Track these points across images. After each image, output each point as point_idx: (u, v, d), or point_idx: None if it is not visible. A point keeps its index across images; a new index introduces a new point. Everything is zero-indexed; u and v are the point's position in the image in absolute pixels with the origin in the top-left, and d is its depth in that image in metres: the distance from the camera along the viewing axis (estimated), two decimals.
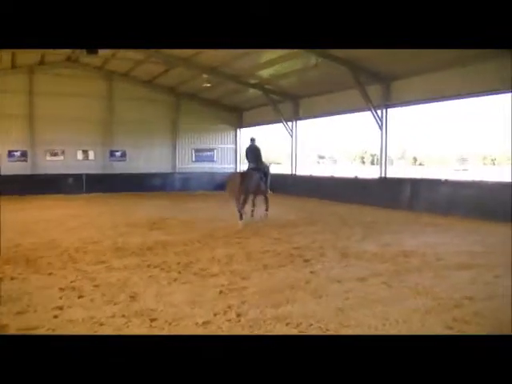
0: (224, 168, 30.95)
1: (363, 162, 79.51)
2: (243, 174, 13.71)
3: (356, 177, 22.50)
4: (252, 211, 14.47)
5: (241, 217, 13.15)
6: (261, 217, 14.57)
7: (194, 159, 30.41)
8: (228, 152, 31.50)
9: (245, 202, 13.46)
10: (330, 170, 46.38)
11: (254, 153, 14.20)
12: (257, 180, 13.84)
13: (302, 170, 25.53)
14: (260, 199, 14.88)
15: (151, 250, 9.86)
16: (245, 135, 31.72)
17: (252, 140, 14.54)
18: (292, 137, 26.38)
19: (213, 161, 30.93)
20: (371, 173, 24.89)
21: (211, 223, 14.13)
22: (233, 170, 30.84)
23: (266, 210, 14.74)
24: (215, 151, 31.05)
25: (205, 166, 30.56)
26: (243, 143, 31.48)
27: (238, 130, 31.61)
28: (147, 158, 28.75)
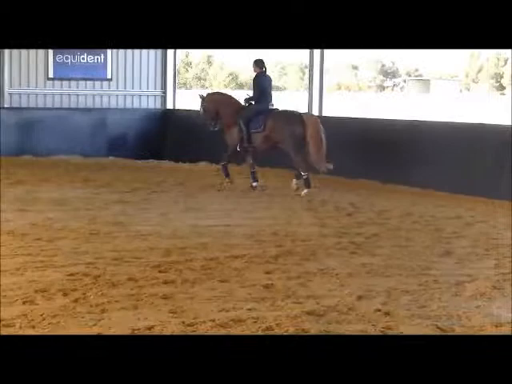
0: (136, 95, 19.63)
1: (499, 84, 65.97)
2: None
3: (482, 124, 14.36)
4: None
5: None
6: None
7: (52, 73, 18.31)
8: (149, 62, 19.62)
9: None
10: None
11: (270, 87, 13.79)
12: None
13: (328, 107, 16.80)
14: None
15: None
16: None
17: (261, 63, 13.41)
18: None
19: (104, 78, 18.84)
20: None
21: (95, 238, 8.63)
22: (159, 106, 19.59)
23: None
24: (108, 53, 18.53)
25: (81, 92, 18.88)
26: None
27: None
28: None
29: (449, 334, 4.99)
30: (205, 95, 13.98)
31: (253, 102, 13.28)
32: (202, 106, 14.04)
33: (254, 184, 12.90)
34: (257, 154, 13.32)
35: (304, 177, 12.52)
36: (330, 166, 12.43)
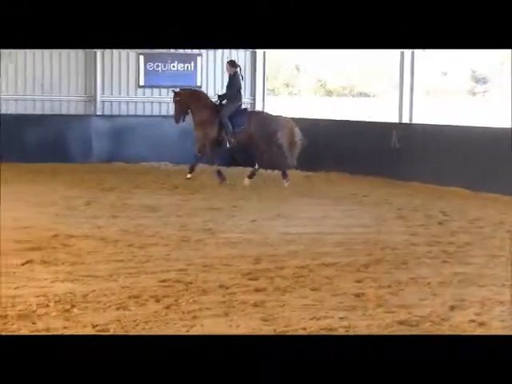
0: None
1: None
2: None
3: None
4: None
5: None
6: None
7: (143, 81, 18.38)
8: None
9: None
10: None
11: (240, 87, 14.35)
12: None
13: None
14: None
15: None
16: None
17: (235, 63, 14.09)
18: None
19: (194, 85, 17.69)
20: None
21: (185, 245, 8.43)
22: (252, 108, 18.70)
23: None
24: (198, 61, 18.49)
25: (171, 99, 16.36)
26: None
27: None
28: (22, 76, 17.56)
29: (449, 334, 4.90)
30: (177, 90, 14.34)
31: (223, 101, 13.91)
32: (174, 100, 14.15)
33: (222, 180, 13.75)
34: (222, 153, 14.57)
35: (285, 172, 13.70)
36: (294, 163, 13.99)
